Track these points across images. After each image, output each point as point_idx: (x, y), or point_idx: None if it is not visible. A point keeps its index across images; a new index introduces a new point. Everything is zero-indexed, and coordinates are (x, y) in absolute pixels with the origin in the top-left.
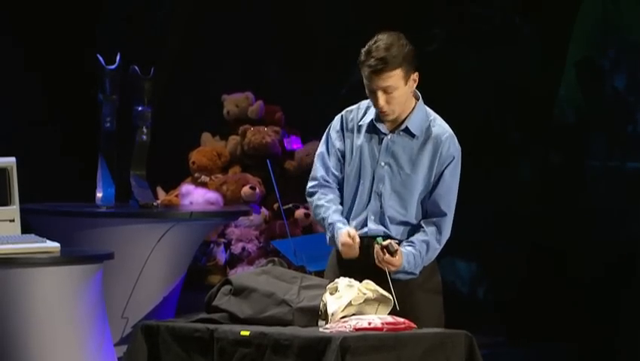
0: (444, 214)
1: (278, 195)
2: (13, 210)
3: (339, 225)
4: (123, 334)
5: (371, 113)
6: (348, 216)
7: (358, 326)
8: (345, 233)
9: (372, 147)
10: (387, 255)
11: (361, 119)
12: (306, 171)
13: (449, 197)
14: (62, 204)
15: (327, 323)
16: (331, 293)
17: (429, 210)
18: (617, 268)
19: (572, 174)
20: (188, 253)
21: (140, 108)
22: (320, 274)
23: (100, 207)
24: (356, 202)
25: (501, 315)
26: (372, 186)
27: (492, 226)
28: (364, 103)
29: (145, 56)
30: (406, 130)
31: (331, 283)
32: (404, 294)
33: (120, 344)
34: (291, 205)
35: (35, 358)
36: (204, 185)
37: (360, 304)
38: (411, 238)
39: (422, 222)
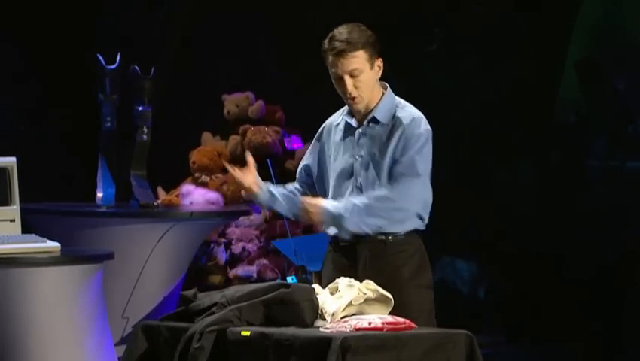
0: (387, 197)
1: None
2: (14, 210)
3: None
4: (124, 334)
5: (342, 112)
6: None
7: (358, 326)
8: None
9: (347, 143)
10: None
11: (338, 120)
12: None
13: (411, 163)
14: (62, 204)
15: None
16: (331, 293)
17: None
18: (617, 268)
19: (572, 174)
20: (189, 252)
21: (140, 108)
22: (320, 274)
23: (100, 207)
24: (338, 198)
25: (501, 315)
26: (352, 179)
27: (493, 226)
28: (344, 108)
29: (145, 56)
30: (374, 119)
31: (332, 283)
32: (394, 289)
33: (120, 343)
34: None
35: (36, 358)
36: (204, 185)
37: (360, 304)
38: (353, 196)
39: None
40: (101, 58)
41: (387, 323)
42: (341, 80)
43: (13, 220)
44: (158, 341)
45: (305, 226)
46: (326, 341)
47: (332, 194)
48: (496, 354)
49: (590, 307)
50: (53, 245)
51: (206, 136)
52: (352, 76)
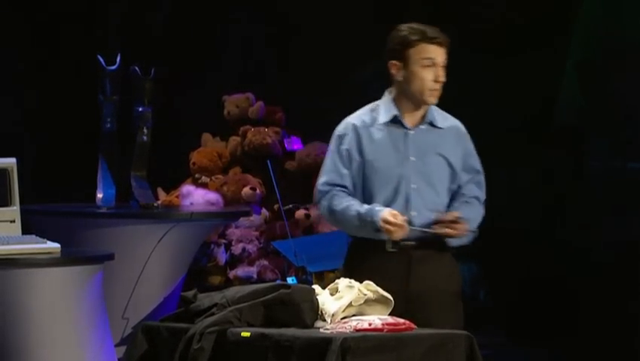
0: (480, 172)
1: (278, 196)
2: (14, 210)
3: (377, 208)
4: (124, 334)
5: (389, 111)
6: None
7: (358, 327)
8: (389, 213)
9: (394, 143)
10: (455, 225)
11: (378, 119)
12: (306, 171)
13: (477, 160)
14: (62, 205)
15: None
16: (332, 294)
17: (463, 179)
18: (618, 268)
19: (573, 174)
20: (189, 253)
21: (140, 109)
22: (320, 274)
23: (101, 208)
24: (391, 204)
25: (501, 315)
26: (405, 182)
27: (493, 227)
28: (369, 107)
29: (145, 57)
30: (431, 123)
31: (332, 284)
32: (424, 301)
33: (120, 344)
34: (291, 206)
35: (36, 358)
36: (204, 186)
37: (360, 304)
38: (460, 199)
39: (461, 189)
40: (101, 59)
41: (387, 324)
42: (433, 66)
43: (14, 221)
44: (158, 341)
45: (305, 227)
46: (326, 341)
47: (378, 194)
48: (496, 355)
49: (591, 307)
50: (53, 246)
51: (206, 137)
52: (443, 67)
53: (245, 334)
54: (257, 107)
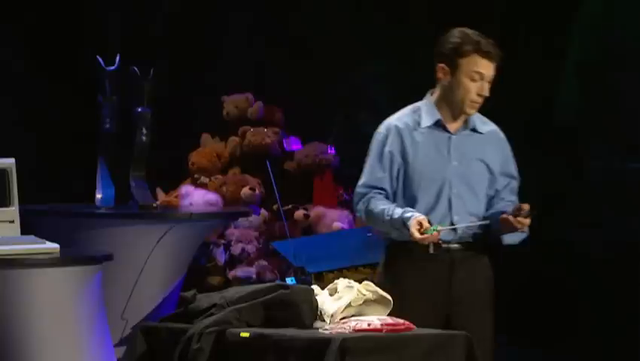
0: (517, 178)
1: (277, 196)
2: (13, 211)
3: (407, 214)
4: (123, 335)
5: (433, 115)
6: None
7: (357, 327)
8: (416, 224)
9: (437, 147)
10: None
11: (421, 122)
12: (305, 172)
13: (514, 166)
14: (61, 205)
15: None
16: (331, 294)
17: (500, 184)
18: (618, 269)
19: (572, 175)
20: (188, 254)
21: (140, 109)
22: (319, 275)
23: (100, 209)
24: (433, 207)
25: (500, 316)
26: (446, 187)
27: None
28: (410, 108)
29: (145, 57)
30: (473, 129)
31: (331, 284)
32: (465, 302)
33: (119, 345)
34: (290, 206)
35: (34, 359)
36: (204, 186)
37: (359, 305)
38: (502, 203)
39: (500, 194)
40: (100, 59)
41: (386, 325)
42: (480, 81)
43: (12, 221)
44: (157, 342)
45: (304, 228)
46: (325, 342)
47: (421, 198)
48: (496, 355)
49: (590, 307)
50: (52, 246)
51: (205, 137)
52: (487, 82)
53: (245, 334)
54: (257, 108)
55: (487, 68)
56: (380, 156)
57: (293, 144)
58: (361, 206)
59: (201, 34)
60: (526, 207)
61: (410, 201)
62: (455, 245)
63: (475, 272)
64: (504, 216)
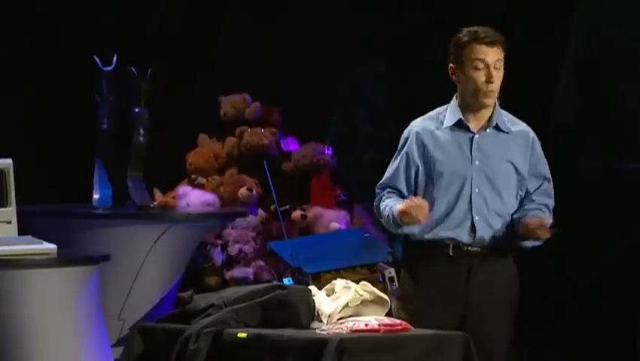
0: (549, 179)
1: (275, 197)
2: (10, 211)
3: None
4: (120, 335)
5: (454, 115)
6: (443, 219)
7: (354, 328)
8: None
9: (460, 147)
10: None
11: (444, 123)
12: (303, 172)
13: (546, 167)
14: (58, 206)
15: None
16: (328, 295)
17: (531, 185)
18: (617, 270)
19: (570, 175)
20: (185, 254)
21: (137, 110)
22: (316, 275)
23: (97, 209)
24: (454, 206)
25: None
26: (467, 186)
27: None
28: (437, 110)
29: (142, 58)
30: (496, 127)
31: (328, 285)
32: (483, 305)
33: (116, 345)
34: (287, 207)
35: (32, 360)
36: (201, 186)
37: (357, 305)
38: (531, 206)
39: (531, 195)
40: (97, 59)
41: (383, 325)
42: (484, 68)
43: (10, 222)
44: (155, 342)
45: (301, 228)
46: (322, 342)
47: (442, 197)
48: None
49: (589, 309)
50: (49, 247)
51: (203, 138)
52: (495, 68)
53: (242, 335)
54: (254, 108)
55: (488, 54)
56: (397, 157)
57: (290, 145)
58: (375, 204)
59: (198, 34)
60: (546, 221)
61: (431, 202)
62: (475, 248)
63: (494, 276)
64: (525, 220)
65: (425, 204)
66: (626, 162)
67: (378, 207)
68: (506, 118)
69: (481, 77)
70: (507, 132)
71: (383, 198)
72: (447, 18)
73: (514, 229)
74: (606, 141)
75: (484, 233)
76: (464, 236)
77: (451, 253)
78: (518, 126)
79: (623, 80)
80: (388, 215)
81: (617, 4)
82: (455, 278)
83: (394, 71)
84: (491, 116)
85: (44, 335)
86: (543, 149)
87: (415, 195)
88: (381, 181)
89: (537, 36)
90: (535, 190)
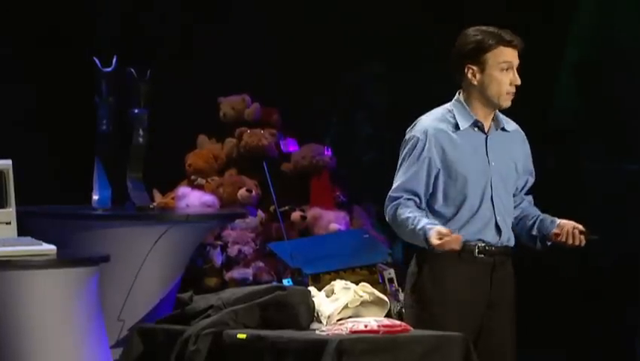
0: (533, 175)
1: (274, 198)
2: (9, 212)
3: (427, 226)
4: (120, 336)
5: (468, 116)
6: (464, 223)
7: (354, 329)
8: (437, 230)
9: (475, 148)
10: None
11: (458, 125)
12: (302, 173)
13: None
14: (58, 207)
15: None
16: (327, 295)
17: (521, 181)
18: (616, 272)
19: (570, 176)
20: (185, 255)
21: (136, 111)
22: (316, 276)
23: (96, 210)
24: (477, 210)
25: None
26: (488, 188)
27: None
28: (440, 111)
29: (142, 59)
30: (502, 128)
31: (328, 286)
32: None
33: (116, 346)
34: (287, 208)
35: (31, 360)
36: (200, 187)
37: (356, 306)
38: (525, 201)
39: (520, 191)
40: (97, 60)
41: (383, 326)
42: (510, 70)
43: (9, 223)
44: (154, 343)
45: (301, 229)
46: (322, 343)
47: (465, 200)
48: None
49: (588, 310)
50: (48, 248)
51: (202, 139)
52: (517, 71)
53: (241, 336)
54: (253, 109)
55: (513, 56)
56: (417, 161)
57: (290, 146)
58: (390, 210)
59: (197, 35)
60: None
61: (452, 205)
62: (499, 248)
63: (506, 275)
64: (562, 224)
65: (460, 237)
66: (626, 163)
67: (394, 214)
68: (502, 117)
69: (507, 79)
70: (508, 131)
71: (401, 205)
72: (447, 18)
73: (542, 232)
74: (606, 142)
75: (507, 232)
76: (490, 237)
77: (477, 255)
78: (512, 125)
79: (623, 80)
80: (412, 230)
81: (617, 4)
82: (480, 279)
83: (394, 71)
84: (494, 116)
85: (43, 335)
86: (543, 149)
87: (430, 199)
88: (396, 185)
89: (537, 36)
90: (523, 187)
